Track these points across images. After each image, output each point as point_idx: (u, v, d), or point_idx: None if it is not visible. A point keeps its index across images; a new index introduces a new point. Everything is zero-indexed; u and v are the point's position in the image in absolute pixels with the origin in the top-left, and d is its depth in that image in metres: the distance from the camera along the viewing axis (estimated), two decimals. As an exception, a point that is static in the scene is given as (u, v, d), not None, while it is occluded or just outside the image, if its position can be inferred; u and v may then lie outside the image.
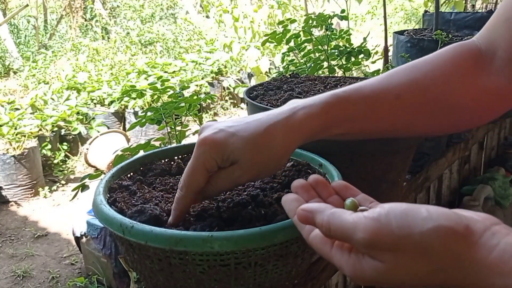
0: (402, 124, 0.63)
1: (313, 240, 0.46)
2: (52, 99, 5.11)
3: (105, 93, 5.32)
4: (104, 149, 4.26)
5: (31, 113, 4.48)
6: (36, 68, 6.81)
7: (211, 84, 6.23)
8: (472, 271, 0.38)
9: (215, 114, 6.21)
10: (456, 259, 0.38)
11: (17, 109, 4.51)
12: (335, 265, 0.44)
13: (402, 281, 0.40)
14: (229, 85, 6.51)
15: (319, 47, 1.24)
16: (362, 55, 1.25)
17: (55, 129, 4.59)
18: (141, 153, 0.87)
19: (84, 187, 1.07)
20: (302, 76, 1.08)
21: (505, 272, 0.36)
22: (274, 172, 0.60)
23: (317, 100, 0.58)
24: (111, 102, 5.24)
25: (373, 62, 1.51)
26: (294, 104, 0.58)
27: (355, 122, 0.60)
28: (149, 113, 1.09)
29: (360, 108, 0.60)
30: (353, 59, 1.24)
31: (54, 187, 4.21)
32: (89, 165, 4.44)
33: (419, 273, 0.39)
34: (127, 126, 5.17)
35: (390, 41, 1.49)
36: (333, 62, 1.26)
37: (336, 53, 1.24)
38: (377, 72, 1.34)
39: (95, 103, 5.33)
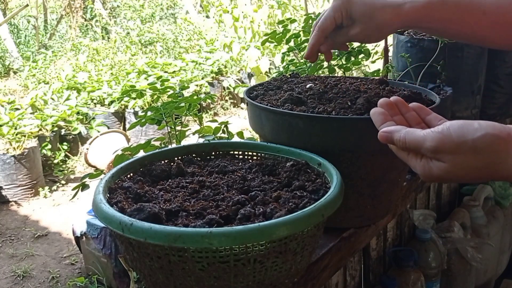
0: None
1: (395, 148, 0.62)
2: (52, 99, 5.11)
3: (105, 93, 5.32)
4: (104, 149, 4.26)
5: (31, 113, 4.47)
6: (36, 68, 6.80)
7: (211, 84, 6.23)
8: (510, 163, 0.52)
9: (215, 114, 6.21)
10: (498, 156, 0.52)
11: (17, 109, 4.51)
12: (410, 166, 0.61)
13: (461, 176, 0.56)
14: (229, 85, 6.50)
15: (319, 47, 1.24)
16: (362, 55, 1.25)
17: (55, 129, 4.58)
18: (141, 153, 0.87)
19: (84, 187, 1.07)
20: (302, 76, 1.07)
21: None
22: (379, 39, 0.82)
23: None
24: (111, 102, 5.24)
25: (373, 62, 1.51)
26: None
27: (442, 23, 0.77)
28: (149, 113, 1.09)
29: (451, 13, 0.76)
30: (353, 59, 1.24)
31: (54, 187, 4.21)
32: (89, 165, 4.44)
33: (472, 169, 0.54)
34: (127, 126, 5.17)
35: (390, 41, 1.49)
36: (333, 62, 1.26)
37: (336, 53, 1.24)
38: (377, 72, 1.34)
39: (95, 103, 5.33)
